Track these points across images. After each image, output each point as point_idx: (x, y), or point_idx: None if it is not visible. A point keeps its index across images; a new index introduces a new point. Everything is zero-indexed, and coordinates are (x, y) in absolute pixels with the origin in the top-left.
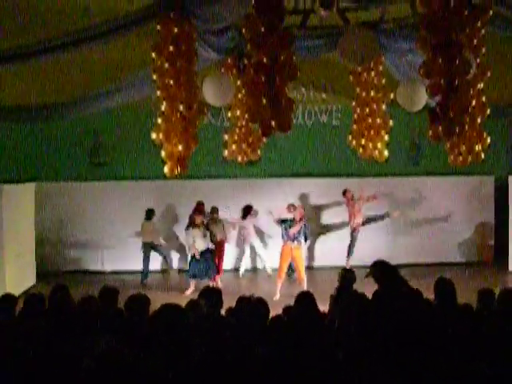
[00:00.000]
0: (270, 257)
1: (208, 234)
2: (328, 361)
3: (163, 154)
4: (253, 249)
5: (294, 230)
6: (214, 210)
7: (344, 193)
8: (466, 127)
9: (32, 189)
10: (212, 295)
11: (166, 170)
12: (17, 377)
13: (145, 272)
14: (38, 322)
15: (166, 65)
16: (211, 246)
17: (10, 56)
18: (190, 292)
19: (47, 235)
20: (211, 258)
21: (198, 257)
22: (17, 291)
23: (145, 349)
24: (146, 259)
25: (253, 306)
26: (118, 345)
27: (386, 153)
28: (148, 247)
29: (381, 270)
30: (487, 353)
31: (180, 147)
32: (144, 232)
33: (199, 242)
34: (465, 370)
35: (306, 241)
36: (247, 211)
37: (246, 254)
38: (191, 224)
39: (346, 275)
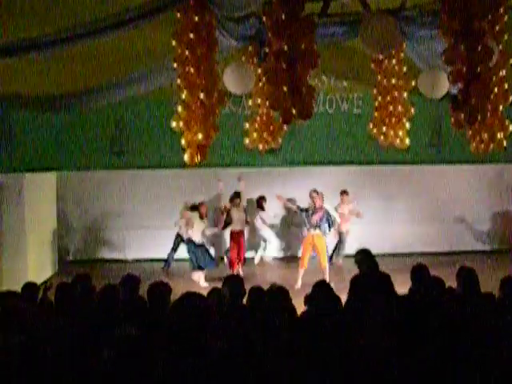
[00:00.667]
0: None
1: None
2: (349, 347)
3: (183, 142)
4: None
5: (316, 217)
6: (236, 195)
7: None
8: (488, 114)
9: (53, 178)
10: (235, 284)
11: (186, 158)
12: (41, 364)
13: (169, 261)
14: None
15: (187, 53)
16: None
17: (28, 45)
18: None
19: (69, 224)
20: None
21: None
22: (38, 280)
23: (166, 337)
24: (174, 249)
25: (274, 295)
26: (138, 333)
27: (407, 141)
28: (180, 239)
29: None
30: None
31: (200, 135)
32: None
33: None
34: (488, 358)
35: (329, 229)
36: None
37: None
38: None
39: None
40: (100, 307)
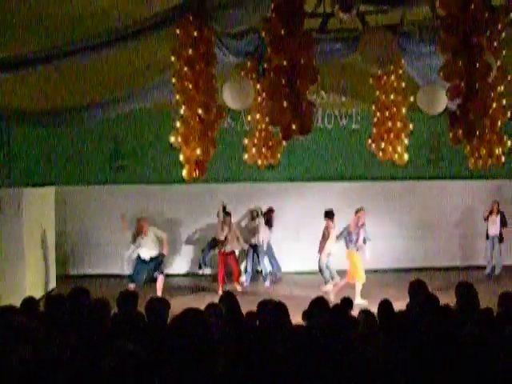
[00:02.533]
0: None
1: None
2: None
3: (181, 157)
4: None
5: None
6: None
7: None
8: (487, 130)
9: (52, 193)
10: (230, 300)
11: (184, 173)
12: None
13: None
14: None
15: (185, 68)
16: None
17: (29, 60)
18: None
19: (67, 239)
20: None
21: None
22: (37, 294)
23: (164, 353)
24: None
25: (273, 310)
26: (135, 348)
27: (405, 156)
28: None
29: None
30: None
31: (198, 151)
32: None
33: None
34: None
35: (364, 243)
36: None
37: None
38: None
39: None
40: (92, 321)
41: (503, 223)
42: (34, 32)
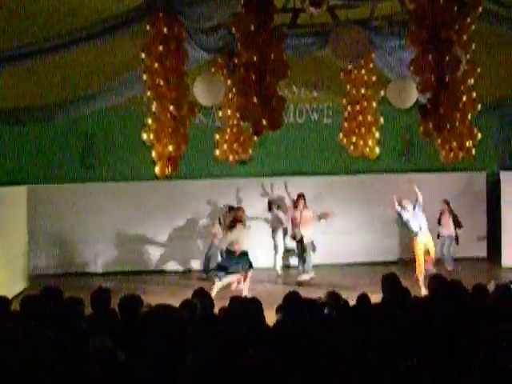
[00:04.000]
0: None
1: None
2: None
3: (154, 154)
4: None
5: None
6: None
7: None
8: (457, 123)
9: (24, 191)
10: (203, 296)
11: (156, 170)
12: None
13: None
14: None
15: (156, 65)
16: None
17: None
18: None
19: (40, 237)
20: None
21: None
22: (9, 294)
23: (137, 349)
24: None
25: (246, 306)
26: (110, 345)
27: (377, 150)
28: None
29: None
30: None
31: (170, 147)
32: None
33: None
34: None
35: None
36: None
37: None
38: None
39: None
40: (67, 319)
41: (456, 224)
42: (1, 30)
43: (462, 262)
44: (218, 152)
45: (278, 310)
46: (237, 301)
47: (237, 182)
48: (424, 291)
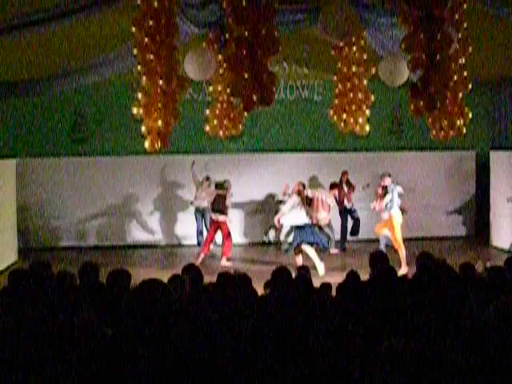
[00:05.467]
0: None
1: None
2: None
3: (143, 129)
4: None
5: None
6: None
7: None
8: (448, 102)
9: (13, 165)
10: (193, 271)
11: (146, 144)
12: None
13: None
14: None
15: (146, 39)
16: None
17: None
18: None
19: (29, 211)
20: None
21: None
22: None
23: (125, 323)
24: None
25: (236, 281)
26: (97, 318)
27: (367, 127)
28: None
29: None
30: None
31: (160, 122)
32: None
33: None
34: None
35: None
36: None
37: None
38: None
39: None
40: (56, 293)
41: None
42: None
43: (448, 241)
44: (208, 127)
45: (266, 286)
46: (224, 277)
47: (226, 158)
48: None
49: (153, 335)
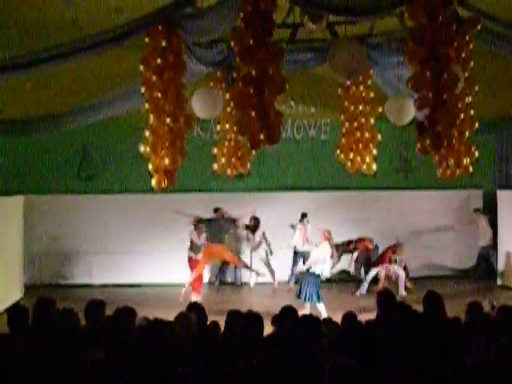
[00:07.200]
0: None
1: None
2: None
3: (150, 167)
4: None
5: None
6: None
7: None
8: (454, 140)
9: (21, 202)
10: (199, 310)
11: (153, 183)
12: None
13: None
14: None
15: (154, 77)
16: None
17: None
18: None
19: (36, 248)
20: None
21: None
22: (4, 305)
23: (130, 362)
24: None
25: (247, 321)
26: (105, 358)
27: (374, 166)
28: None
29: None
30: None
31: (167, 160)
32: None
33: None
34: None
35: None
36: (257, 223)
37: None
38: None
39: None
40: (59, 331)
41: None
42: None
43: (455, 280)
44: (216, 166)
45: (273, 322)
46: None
47: (234, 196)
48: None
49: (157, 372)
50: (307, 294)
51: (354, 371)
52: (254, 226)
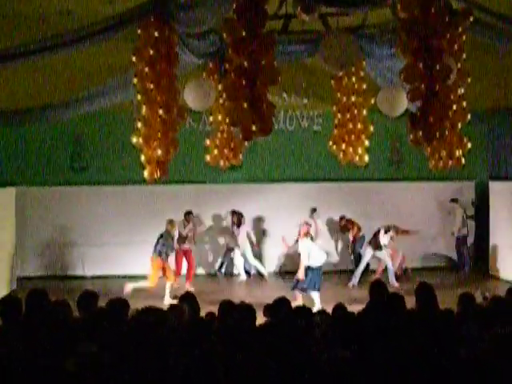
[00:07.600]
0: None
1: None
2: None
3: (143, 158)
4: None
5: None
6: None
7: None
8: (447, 132)
9: (13, 193)
10: (191, 300)
11: (145, 174)
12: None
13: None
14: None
15: (146, 69)
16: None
17: None
18: None
19: (28, 240)
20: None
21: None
22: None
23: (123, 354)
24: None
25: (239, 312)
26: (97, 349)
27: (366, 158)
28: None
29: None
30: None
31: (159, 151)
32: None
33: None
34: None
35: None
36: (240, 218)
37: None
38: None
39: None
40: (52, 322)
41: None
42: None
43: (447, 271)
44: (208, 157)
45: (265, 312)
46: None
47: (226, 188)
48: None
49: (152, 363)
50: (311, 282)
51: (350, 363)
52: (237, 220)
